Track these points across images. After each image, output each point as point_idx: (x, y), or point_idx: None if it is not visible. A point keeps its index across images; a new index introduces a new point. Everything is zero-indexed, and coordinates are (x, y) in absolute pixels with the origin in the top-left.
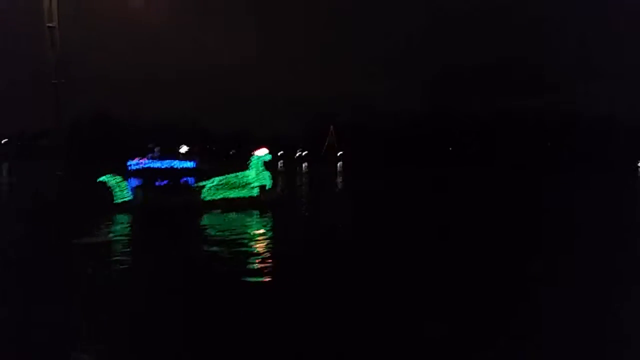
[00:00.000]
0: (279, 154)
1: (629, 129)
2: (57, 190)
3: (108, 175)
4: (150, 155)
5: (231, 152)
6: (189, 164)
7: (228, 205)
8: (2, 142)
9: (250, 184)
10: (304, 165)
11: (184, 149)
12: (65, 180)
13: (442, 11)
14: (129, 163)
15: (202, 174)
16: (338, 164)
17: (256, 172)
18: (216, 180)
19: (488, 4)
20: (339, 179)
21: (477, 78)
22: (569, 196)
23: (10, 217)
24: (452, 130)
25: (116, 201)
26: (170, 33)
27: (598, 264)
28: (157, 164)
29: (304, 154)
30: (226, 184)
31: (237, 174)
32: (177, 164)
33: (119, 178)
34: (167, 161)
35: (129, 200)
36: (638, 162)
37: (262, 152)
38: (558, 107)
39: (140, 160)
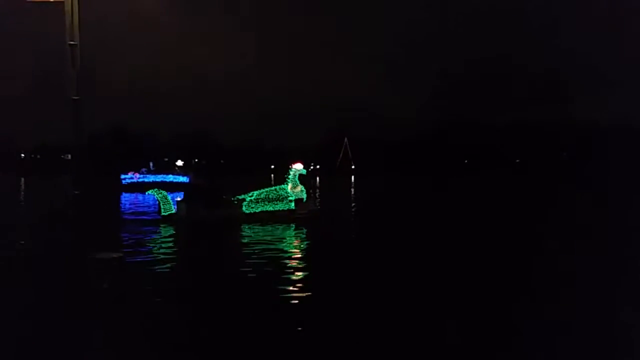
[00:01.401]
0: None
1: None
2: (73, 209)
3: (154, 190)
4: (144, 169)
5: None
6: (183, 179)
7: (268, 218)
8: (21, 156)
9: (287, 197)
10: (317, 178)
11: (179, 163)
12: (82, 198)
13: (453, 18)
14: (122, 177)
15: (196, 189)
16: (352, 177)
17: (293, 186)
18: (255, 193)
19: (501, 9)
20: (353, 192)
21: (491, 87)
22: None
23: (23, 233)
24: (466, 141)
25: (163, 214)
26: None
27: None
28: (150, 178)
29: (317, 167)
30: (265, 197)
31: (275, 187)
32: (170, 178)
33: (164, 192)
34: (161, 176)
35: (173, 214)
36: None
37: (298, 167)
38: (573, 116)
39: (134, 175)
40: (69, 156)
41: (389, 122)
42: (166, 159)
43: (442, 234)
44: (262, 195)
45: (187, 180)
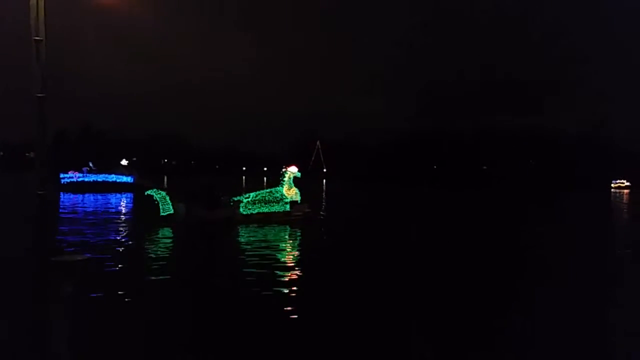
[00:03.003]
0: (264, 169)
1: (609, 146)
2: (36, 209)
3: (153, 190)
4: (85, 169)
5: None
6: (127, 179)
7: (264, 219)
8: None
9: (283, 199)
10: (265, 180)
11: (124, 162)
12: (46, 198)
13: (430, 29)
14: (62, 176)
15: (140, 189)
16: (323, 181)
17: (288, 188)
18: (251, 195)
19: (477, 22)
20: (324, 197)
21: (465, 96)
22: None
23: None
24: (437, 148)
25: (162, 214)
26: (159, 47)
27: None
28: (92, 178)
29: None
30: (261, 199)
31: (271, 189)
32: (113, 178)
33: (163, 193)
34: (102, 175)
35: (172, 214)
36: (612, 182)
37: (293, 169)
38: (543, 125)
39: (74, 174)
40: (32, 154)
41: (361, 129)
42: (125, 160)
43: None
44: (258, 197)
45: (131, 181)
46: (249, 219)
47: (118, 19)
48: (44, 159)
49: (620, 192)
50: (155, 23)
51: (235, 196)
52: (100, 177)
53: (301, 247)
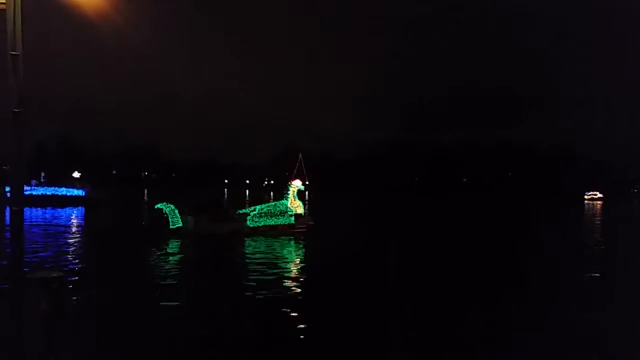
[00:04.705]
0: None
1: (585, 157)
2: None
3: (163, 204)
4: (34, 181)
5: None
6: (78, 192)
7: (270, 231)
8: None
9: (288, 212)
10: (271, 194)
11: (76, 174)
12: (21, 214)
13: (410, 41)
14: (7, 189)
15: (93, 202)
16: (306, 193)
17: (292, 201)
18: (257, 208)
19: (454, 35)
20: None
21: (444, 108)
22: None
23: None
24: (416, 160)
25: (171, 227)
26: (138, 61)
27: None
28: (40, 191)
29: (272, 182)
30: (267, 212)
31: (276, 202)
32: (63, 191)
33: (172, 206)
34: (52, 188)
35: (181, 227)
36: (585, 194)
37: (297, 183)
38: (520, 137)
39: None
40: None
41: (341, 141)
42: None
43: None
44: (264, 210)
45: (83, 194)
46: (255, 232)
47: (97, 33)
48: (20, 176)
49: (593, 204)
50: (135, 38)
51: (242, 209)
52: (50, 190)
53: (306, 258)
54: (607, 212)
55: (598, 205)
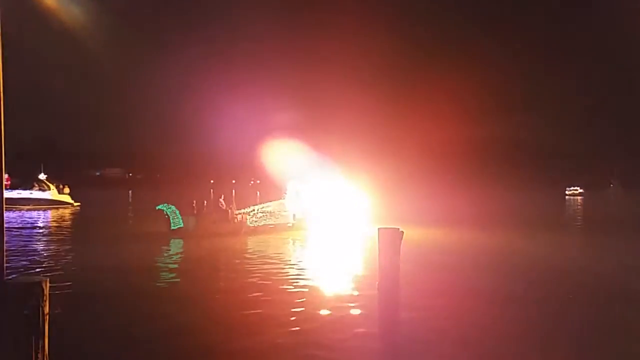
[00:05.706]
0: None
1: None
2: None
3: (164, 205)
4: None
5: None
6: (44, 195)
7: (270, 230)
8: None
9: (286, 211)
10: (257, 193)
11: (42, 176)
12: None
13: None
14: None
15: (61, 205)
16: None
17: (290, 201)
18: (257, 208)
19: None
20: None
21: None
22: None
23: None
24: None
25: (172, 227)
26: (118, 60)
27: None
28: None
29: (258, 182)
30: (267, 212)
31: (276, 202)
32: (27, 194)
33: (172, 207)
34: (16, 190)
35: (182, 227)
36: (566, 189)
37: (296, 184)
38: (502, 134)
39: None
40: None
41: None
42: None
43: None
44: (265, 210)
45: (49, 197)
46: (255, 231)
47: (79, 36)
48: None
49: (574, 198)
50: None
51: (242, 209)
52: (13, 192)
53: (305, 257)
54: None
55: (579, 199)
